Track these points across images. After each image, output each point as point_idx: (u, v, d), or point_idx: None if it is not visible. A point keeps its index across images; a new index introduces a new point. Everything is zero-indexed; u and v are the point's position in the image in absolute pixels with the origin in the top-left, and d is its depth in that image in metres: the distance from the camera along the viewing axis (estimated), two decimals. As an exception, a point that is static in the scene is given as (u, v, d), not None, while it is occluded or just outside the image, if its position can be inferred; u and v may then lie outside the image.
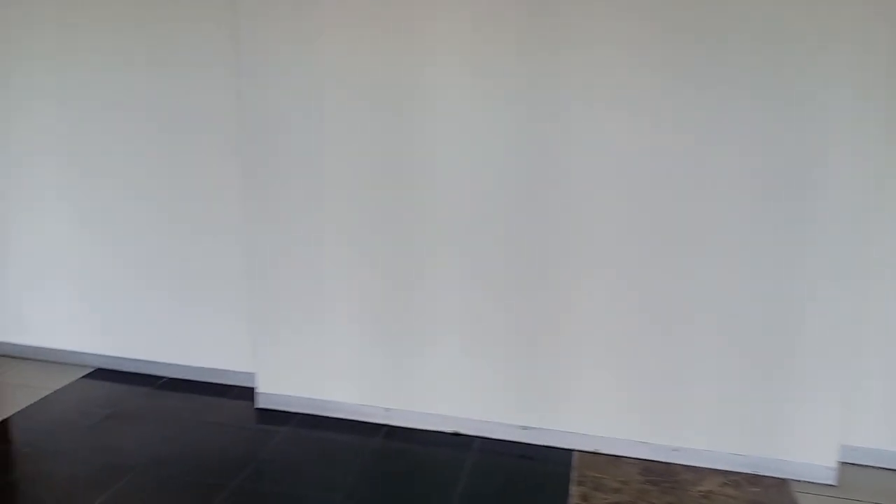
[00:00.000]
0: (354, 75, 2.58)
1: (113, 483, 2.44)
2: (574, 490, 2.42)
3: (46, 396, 3.06)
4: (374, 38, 2.53)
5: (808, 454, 2.49)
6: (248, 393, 3.05)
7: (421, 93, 2.53)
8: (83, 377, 3.25)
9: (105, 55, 3.00)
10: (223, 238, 3.01)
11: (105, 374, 3.27)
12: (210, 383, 3.17)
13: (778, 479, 2.51)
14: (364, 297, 2.75)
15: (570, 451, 2.65)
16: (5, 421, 2.86)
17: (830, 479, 2.48)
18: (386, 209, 2.66)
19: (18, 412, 2.92)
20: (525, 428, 2.71)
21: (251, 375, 3.05)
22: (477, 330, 2.67)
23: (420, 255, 2.66)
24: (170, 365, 3.23)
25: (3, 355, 3.42)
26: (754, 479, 2.51)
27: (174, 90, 2.93)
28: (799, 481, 2.49)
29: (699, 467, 2.57)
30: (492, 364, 2.69)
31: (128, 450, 2.65)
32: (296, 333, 2.86)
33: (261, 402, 2.96)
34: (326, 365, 2.86)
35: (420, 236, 2.65)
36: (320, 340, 2.83)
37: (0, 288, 3.39)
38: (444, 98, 2.52)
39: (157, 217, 3.09)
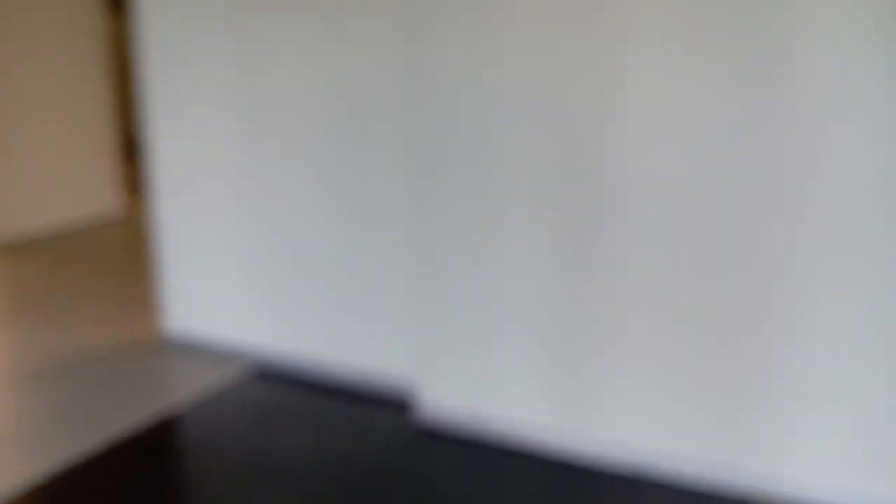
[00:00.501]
0: (535, 70, 2.44)
1: (269, 489, 2.42)
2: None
3: (210, 390, 3.09)
4: (555, 28, 2.39)
5: None
6: (407, 402, 3.00)
7: (609, 86, 2.36)
8: (246, 371, 3.29)
9: (280, 53, 3.02)
10: (392, 245, 2.97)
11: (268, 371, 3.29)
12: (369, 389, 3.13)
13: None
14: (543, 311, 2.61)
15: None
16: (171, 413, 2.90)
17: None
18: (572, 215, 2.50)
19: (184, 404, 2.97)
20: (726, 474, 2.41)
21: (413, 385, 2.98)
22: (674, 358, 2.42)
23: (611, 267, 2.48)
24: (331, 367, 3.22)
25: (174, 345, 3.54)
26: None
27: (347, 88, 2.91)
28: None
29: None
30: (691, 399, 2.42)
31: (285, 455, 2.63)
32: (463, 346, 2.77)
33: (421, 415, 2.86)
34: (494, 381, 2.76)
35: (611, 246, 2.46)
36: (489, 355, 2.74)
37: (177, 282, 3.53)
38: (635, 90, 2.32)
39: (326, 218, 3.08)
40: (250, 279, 3.33)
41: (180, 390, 3.11)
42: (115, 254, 5.30)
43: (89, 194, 6.26)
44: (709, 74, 2.20)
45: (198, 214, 3.39)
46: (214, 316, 3.46)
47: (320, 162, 3.04)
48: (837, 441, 2.25)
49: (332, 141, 2.99)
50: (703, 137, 2.25)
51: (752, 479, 2.36)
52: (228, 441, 2.70)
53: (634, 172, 2.35)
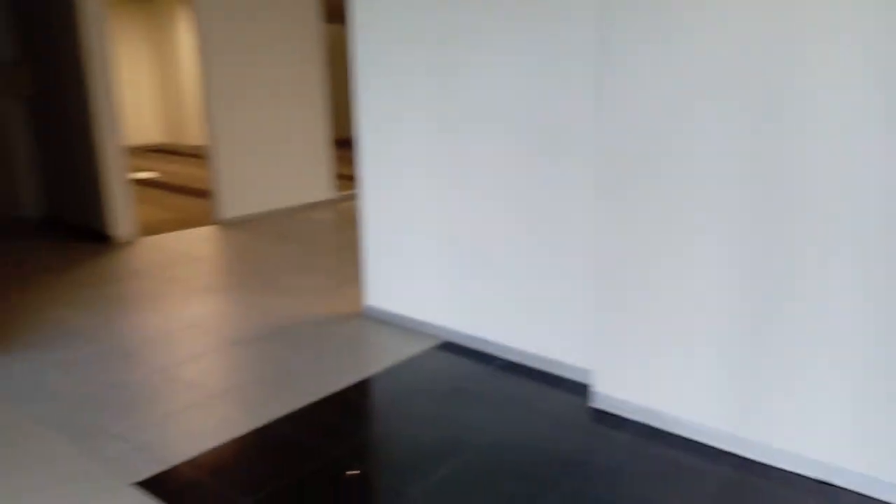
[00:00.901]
0: (724, 71, 2.31)
1: (452, 458, 2.53)
2: None
3: (401, 362, 3.34)
4: (742, 28, 2.24)
5: None
6: (581, 388, 3.01)
7: (802, 78, 2.17)
8: (434, 347, 3.50)
9: (476, 62, 3.15)
10: (575, 238, 2.98)
11: (451, 348, 3.48)
12: (544, 372, 3.19)
13: None
14: (726, 308, 2.47)
15: None
16: (368, 379, 3.16)
17: None
18: (762, 211, 2.34)
19: (378, 372, 3.23)
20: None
21: (587, 372, 2.97)
22: (873, 365, 2.20)
23: (802, 264, 2.29)
24: (508, 348, 3.33)
25: (373, 319, 3.87)
26: None
27: (536, 90, 2.95)
28: None
29: None
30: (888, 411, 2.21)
31: (467, 427, 2.75)
32: (639, 336, 2.71)
33: (595, 402, 2.85)
34: (670, 375, 2.67)
35: (802, 243, 2.28)
36: (666, 347, 2.65)
37: (377, 264, 3.88)
38: (832, 80, 2.11)
39: (514, 209, 3.18)
40: (442, 265, 3.50)
41: (375, 358, 3.37)
42: (329, 235, 5.85)
43: (309, 183, 6.97)
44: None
45: (397, 206, 3.63)
46: (408, 296, 3.69)
47: (510, 162, 3.11)
48: None
49: (521, 143, 3.05)
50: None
51: None
52: (416, 406, 2.89)
53: (838, 181, 2.15)
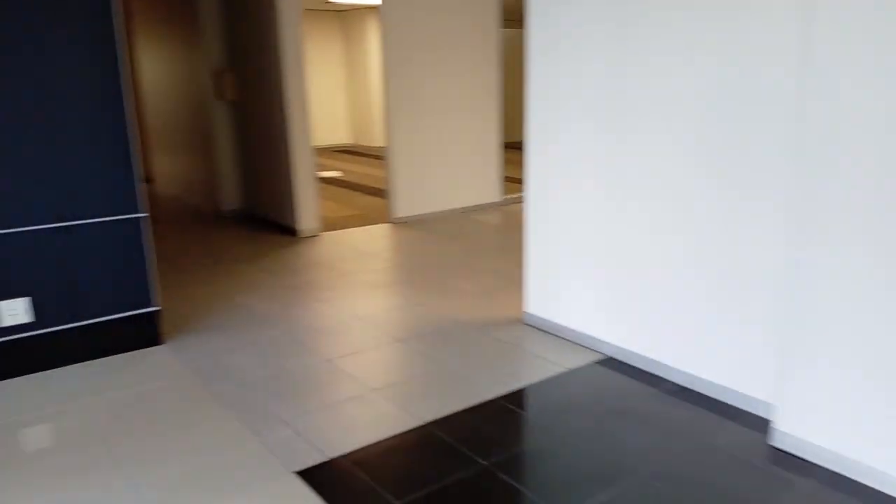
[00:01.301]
0: None
1: (612, 485, 2.37)
2: None
3: (561, 374, 3.22)
4: None
5: None
6: (761, 423, 2.70)
7: None
8: (596, 362, 3.35)
9: (653, 63, 2.96)
10: (758, 247, 2.69)
11: (615, 364, 3.31)
12: (718, 401, 2.92)
13: None
14: None
15: None
16: (524, 389, 3.08)
17: None
18: None
19: (536, 383, 3.14)
20: None
21: (768, 405, 2.67)
22: None
23: None
24: (678, 370, 3.09)
25: (533, 327, 3.78)
26: None
27: (727, 90, 2.72)
28: None
29: None
30: None
31: (630, 451, 2.57)
32: (832, 371, 2.37)
33: (776, 441, 2.55)
34: (868, 419, 2.30)
35: None
36: (864, 386, 2.28)
37: (539, 271, 3.89)
38: None
39: (691, 228, 2.95)
40: (608, 275, 3.33)
41: (533, 368, 3.27)
42: (494, 237, 5.85)
43: (478, 186, 7.02)
44: None
45: (562, 211, 3.51)
46: (570, 306, 3.55)
47: (688, 172, 2.87)
48: None
49: (701, 152, 2.80)
50: None
51: None
52: (573, 424, 2.75)
53: None
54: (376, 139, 12.47)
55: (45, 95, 3.02)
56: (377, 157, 11.37)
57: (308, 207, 5.93)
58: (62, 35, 3.02)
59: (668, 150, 2.94)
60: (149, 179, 8.79)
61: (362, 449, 2.59)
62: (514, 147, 11.39)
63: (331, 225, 6.37)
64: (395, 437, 2.68)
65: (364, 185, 8.73)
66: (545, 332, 3.71)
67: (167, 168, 8.02)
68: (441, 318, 3.95)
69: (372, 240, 5.85)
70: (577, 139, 3.35)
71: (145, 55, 7.87)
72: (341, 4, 11.59)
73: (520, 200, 7.38)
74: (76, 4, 3.05)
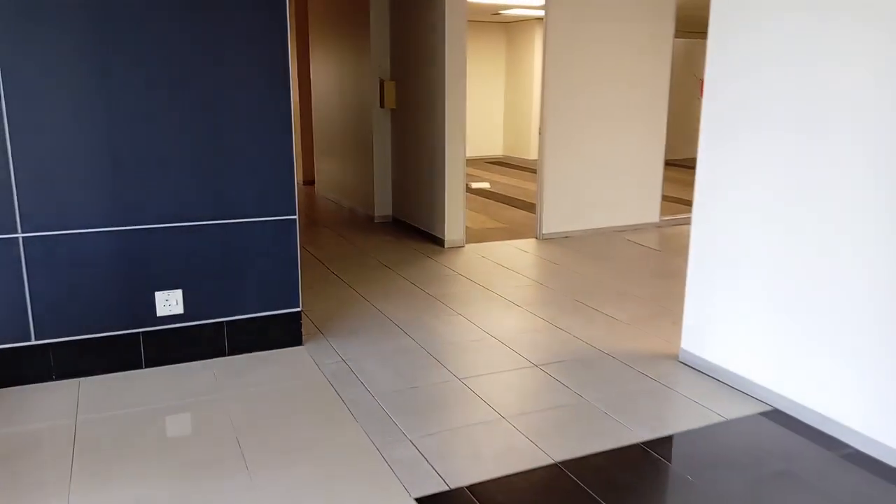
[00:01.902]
0: None
1: None
2: None
3: (717, 424, 2.87)
4: None
5: None
6: None
7: None
8: (759, 413, 2.96)
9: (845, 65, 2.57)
10: None
11: (783, 419, 2.90)
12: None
13: None
14: None
15: None
16: (672, 437, 2.76)
17: None
18: None
19: (686, 432, 2.81)
20: None
21: None
22: None
23: None
24: (861, 434, 2.64)
25: (688, 366, 3.44)
26: None
27: None
28: None
29: None
30: None
31: None
32: None
33: None
34: None
35: None
36: None
37: (699, 304, 3.58)
38: None
39: (881, 263, 2.50)
40: (782, 315, 2.92)
41: (685, 414, 2.93)
42: (649, 261, 5.47)
43: (635, 204, 6.63)
44: None
45: (732, 238, 3.14)
46: (734, 346, 3.17)
47: (881, 195, 2.45)
48: None
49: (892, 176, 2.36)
50: None
51: None
52: (728, 484, 2.40)
53: None
54: (531, 152, 12.32)
55: (215, 101, 3.15)
56: (529, 171, 11.20)
57: (456, 219, 5.88)
58: (237, 46, 3.15)
59: (868, 171, 2.51)
60: (310, 181, 9.23)
61: (486, 482, 2.41)
62: (677, 165, 10.81)
63: (476, 237, 6.28)
64: (522, 473, 2.47)
65: (513, 197, 8.58)
66: (702, 373, 3.33)
67: (328, 171, 8.35)
68: (584, 345, 3.68)
69: (516, 255, 5.67)
70: (756, 153, 2.98)
71: (318, 60, 8.26)
72: (508, 16, 11.59)
73: (680, 223, 6.89)
74: (250, 16, 3.17)
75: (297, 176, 9.59)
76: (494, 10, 10.88)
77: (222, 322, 3.38)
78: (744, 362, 3.12)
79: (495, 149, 13.14)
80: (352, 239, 6.19)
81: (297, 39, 8.94)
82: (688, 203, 7.58)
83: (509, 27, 12.63)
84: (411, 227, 6.53)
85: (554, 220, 6.26)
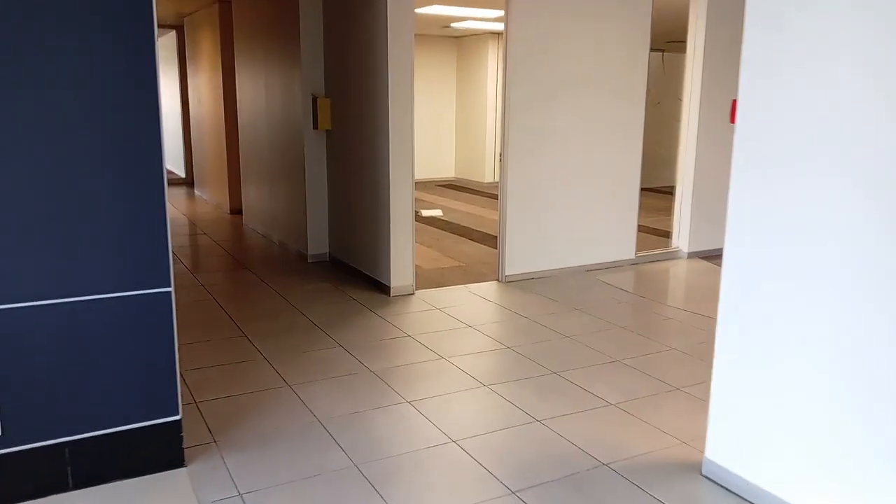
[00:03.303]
0: None
1: None
2: None
3: None
4: None
5: None
6: None
7: None
8: None
9: None
10: None
11: None
12: None
13: None
14: None
15: None
16: None
17: None
18: None
19: None
20: None
21: None
22: None
23: None
24: None
25: (717, 484, 2.50)
26: None
27: None
28: None
29: None
30: None
31: None
32: None
33: None
34: None
35: None
36: None
37: (730, 394, 2.61)
38: None
39: None
40: (843, 417, 2.01)
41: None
42: (634, 310, 4.63)
43: (610, 240, 5.80)
44: None
45: (777, 304, 2.28)
46: (782, 461, 2.28)
47: None
48: None
49: None
50: None
51: None
52: None
53: None
54: (486, 175, 11.48)
55: (55, 133, 2.15)
56: (485, 195, 10.34)
57: (403, 260, 4.93)
58: (81, 63, 2.15)
59: None
60: (237, 210, 8.14)
61: None
62: (652, 191, 10.02)
63: (428, 280, 5.34)
64: None
65: (469, 227, 7.67)
66: (738, 496, 2.45)
67: (256, 200, 7.29)
68: (575, 451, 2.75)
69: (476, 305, 4.75)
70: (810, 188, 2.14)
71: (244, 74, 7.23)
72: (459, 29, 10.77)
73: (658, 259, 6.10)
74: (99, 24, 2.18)
75: (224, 204, 8.49)
76: (444, 23, 10.04)
77: (62, 444, 2.34)
78: (798, 484, 2.23)
79: (447, 171, 12.26)
80: (279, 286, 5.16)
81: (222, 51, 7.90)
82: (664, 234, 6.80)
83: (461, 41, 11.82)
84: (351, 270, 5.53)
85: (518, 259, 5.37)
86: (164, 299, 2.41)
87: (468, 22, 9.90)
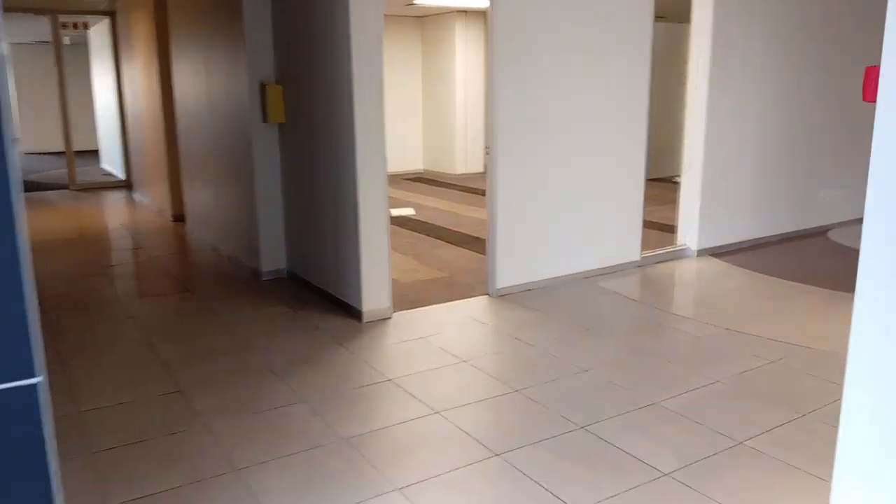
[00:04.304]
0: None
1: None
2: None
3: None
4: None
5: None
6: None
7: None
8: None
9: None
10: None
11: None
12: None
13: None
14: None
15: None
16: None
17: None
18: None
19: None
20: None
21: None
22: None
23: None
24: None
25: None
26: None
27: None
28: None
29: None
30: None
31: None
32: None
33: None
34: None
35: None
36: None
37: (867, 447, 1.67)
38: None
39: None
40: None
41: None
42: (649, 328, 3.87)
43: (612, 241, 5.04)
44: None
45: None
46: None
47: None
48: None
49: None
50: None
51: None
52: None
53: None
54: (457, 166, 10.65)
55: None
56: (457, 188, 9.52)
57: (377, 277, 4.07)
58: None
59: None
60: (180, 216, 7.17)
61: None
62: (656, 181, 9.10)
63: (407, 297, 4.50)
64: None
65: (447, 228, 6.84)
66: None
67: (200, 205, 6.34)
68: None
69: (469, 330, 3.93)
70: None
71: (181, 59, 6.26)
72: (423, 8, 9.90)
73: (666, 258, 5.38)
74: None
75: (166, 210, 7.51)
76: (407, 1, 9.17)
77: None
78: None
79: (414, 163, 11.38)
80: (227, 314, 4.25)
81: (157, 35, 6.91)
82: (666, 228, 6.07)
83: (425, 21, 10.93)
84: (315, 290, 4.65)
85: (511, 268, 4.58)
86: (30, 395, 1.55)
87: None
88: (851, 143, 6.32)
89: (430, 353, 3.56)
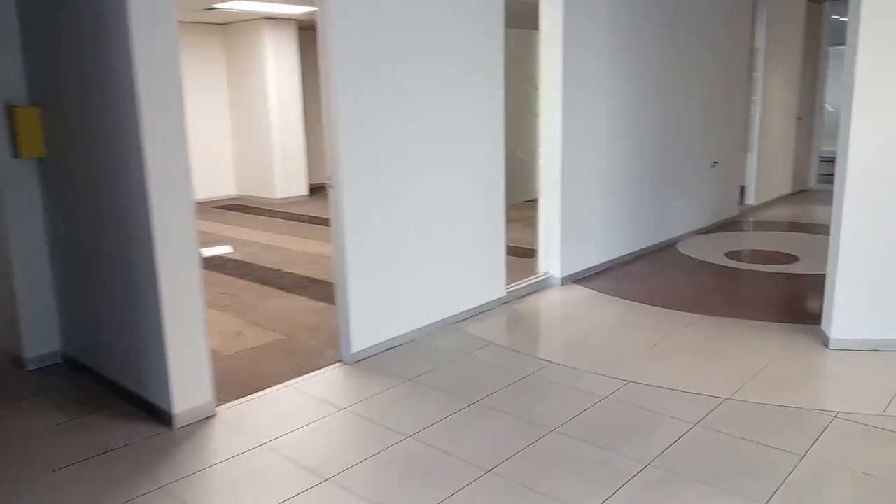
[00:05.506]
0: None
1: None
2: None
3: None
4: None
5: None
6: None
7: None
8: None
9: None
10: None
11: None
12: None
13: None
14: None
15: None
16: None
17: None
18: None
19: None
20: None
21: None
22: None
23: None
24: None
25: None
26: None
27: None
28: None
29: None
30: None
31: None
32: None
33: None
34: None
35: None
36: None
37: None
38: None
39: None
40: None
41: None
42: (561, 390, 3.17)
43: (479, 278, 4.37)
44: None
45: None
46: None
47: None
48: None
49: None
50: None
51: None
52: None
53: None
54: (277, 189, 9.50)
55: None
56: (281, 216, 8.41)
57: (189, 355, 2.97)
58: None
59: None
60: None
61: None
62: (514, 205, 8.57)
63: (234, 377, 3.42)
64: None
65: (273, 269, 5.74)
66: None
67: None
68: None
69: (322, 425, 2.97)
70: None
71: None
72: (225, 13, 8.66)
73: (529, 291, 4.79)
74: None
75: None
76: (205, 5, 7.93)
77: None
78: None
79: (226, 187, 10.01)
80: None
81: None
82: (524, 252, 5.51)
83: (228, 29, 9.66)
84: (104, 382, 3.42)
85: (367, 325, 3.68)
86: None
87: (235, 3, 7.90)
88: (691, 161, 6.33)
89: (277, 473, 2.58)
